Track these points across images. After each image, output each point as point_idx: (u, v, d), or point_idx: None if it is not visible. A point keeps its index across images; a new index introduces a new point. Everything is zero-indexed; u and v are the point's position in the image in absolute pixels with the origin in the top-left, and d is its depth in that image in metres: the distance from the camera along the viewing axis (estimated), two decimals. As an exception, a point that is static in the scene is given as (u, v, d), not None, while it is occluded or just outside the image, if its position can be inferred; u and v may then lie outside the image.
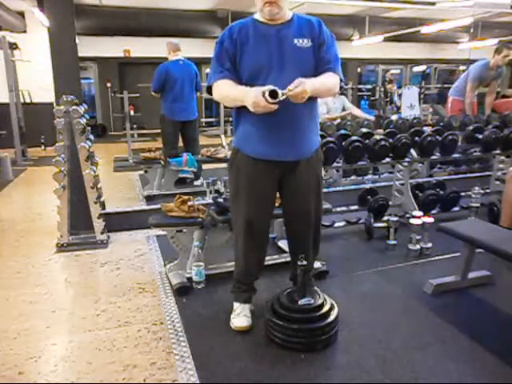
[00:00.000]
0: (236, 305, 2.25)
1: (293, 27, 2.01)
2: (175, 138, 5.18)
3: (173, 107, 4.97)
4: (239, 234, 2.16)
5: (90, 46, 9.33)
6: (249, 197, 2.08)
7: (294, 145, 2.05)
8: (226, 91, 2.01)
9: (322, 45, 2.03)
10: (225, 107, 8.51)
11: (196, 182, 5.09)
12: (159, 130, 5.41)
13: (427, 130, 4.00)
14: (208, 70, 2.45)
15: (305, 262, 2.04)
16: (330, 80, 2.04)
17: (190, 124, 5.10)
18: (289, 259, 2.86)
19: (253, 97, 1.83)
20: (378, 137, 3.44)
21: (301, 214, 2.17)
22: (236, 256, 2.26)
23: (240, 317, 2.19)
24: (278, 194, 2.20)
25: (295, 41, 1.99)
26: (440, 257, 3.03)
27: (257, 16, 2.05)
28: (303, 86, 1.84)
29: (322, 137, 3.05)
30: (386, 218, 3.43)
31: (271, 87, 1.82)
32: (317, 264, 2.72)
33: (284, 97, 1.83)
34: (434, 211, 3.72)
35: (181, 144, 5.44)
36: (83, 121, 3.29)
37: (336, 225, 3.56)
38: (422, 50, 12.16)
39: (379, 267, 2.90)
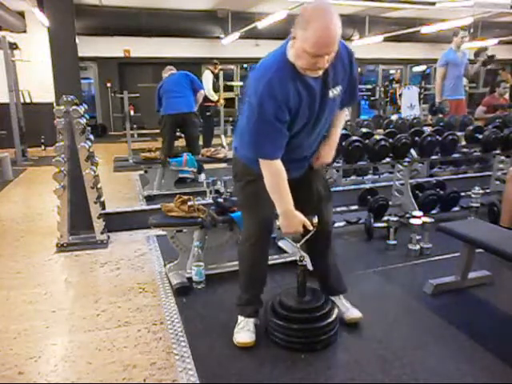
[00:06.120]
0: (240, 318, 2.13)
1: (330, 73, 1.80)
2: (172, 134, 5.21)
3: (168, 102, 5.09)
4: (258, 237, 2.05)
5: (90, 46, 9.33)
6: (263, 202, 1.95)
7: (306, 166, 2.06)
8: (277, 183, 1.84)
9: (350, 86, 1.93)
10: (224, 107, 8.52)
11: (200, 178, 5.11)
12: (159, 131, 5.44)
13: (427, 130, 4.00)
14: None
15: (305, 263, 2.03)
16: (341, 125, 2.08)
17: (189, 118, 5.13)
18: (289, 259, 2.87)
19: (293, 222, 1.87)
20: (377, 137, 3.44)
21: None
22: (249, 265, 2.14)
23: (243, 332, 2.07)
24: None
25: (330, 93, 1.83)
26: (440, 257, 3.02)
27: (291, 58, 1.74)
28: (323, 158, 2.01)
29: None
30: (386, 218, 3.43)
31: (316, 221, 1.92)
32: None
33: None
34: (433, 211, 3.72)
35: (179, 143, 5.46)
36: (83, 121, 3.29)
37: (336, 225, 3.55)
38: (422, 50, 12.15)
39: (379, 267, 2.90)
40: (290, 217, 1.88)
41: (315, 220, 1.94)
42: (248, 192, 2.06)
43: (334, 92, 1.84)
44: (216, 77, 7.40)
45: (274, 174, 1.83)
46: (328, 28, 1.60)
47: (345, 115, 2.10)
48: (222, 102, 7.27)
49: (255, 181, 1.93)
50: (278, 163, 1.81)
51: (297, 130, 1.85)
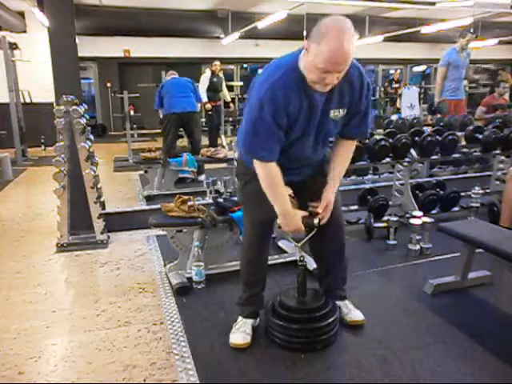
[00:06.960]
0: (239, 318, 2.14)
1: (335, 93, 1.77)
2: (175, 133, 5.22)
3: (172, 102, 5.11)
4: (255, 236, 2.09)
5: (90, 46, 9.33)
6: (261, 202, 1.91)
7: (308, 171, 2.03)
8: (272, 184, 1.83)
9: (358, 114, 1.89)
10: (224, 107, 8.51)
11: (200, 178, 5.11)
12: (159, 130, 5.46)
13: (427, 130, 4.00)
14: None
15: (305, 263, 2.03)
16: (348, 159, 2.00)
17: (193, 117, 5.18)
18: (289, 259, 2.87)
19: (291, 221, 1.88)
20: (377, 137, 3.44)
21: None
22: (246, 262, 2.15)
23: (238, 332, 2.06)
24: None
25: (331, 113, 1.81)
26: (440, 257, 3.02)
27: (301, 67, 1.72)
28: (330, 204, 1.92)
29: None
30: (386, 218, 3.43)
31: (316, 221, 1.91)
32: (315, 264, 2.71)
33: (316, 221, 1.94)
34: (434, 211, 3.72)
35: (179, 143, 5.47)
36: (83, 121, 3.29)
37: (336, 225, 3.55)
38: (422, 50, 12.16)
39: (379, 267, 2.90)
40: (288, 216, 1.90)
41: (316, 221, 1.94)
42: (247, 191, 2.06)
43: (336, 113, 1.82)
44: (216, 76, 7.33)
45: (269, 176, 1.82)
46: (341, 46, 1.57)
47: (352, 149, 2.01)
48: (208, 106, 7.10)
49: (253, 180, 1.90)
50: (273, 165, 1.80)
51: (293, 140, 1.83)
